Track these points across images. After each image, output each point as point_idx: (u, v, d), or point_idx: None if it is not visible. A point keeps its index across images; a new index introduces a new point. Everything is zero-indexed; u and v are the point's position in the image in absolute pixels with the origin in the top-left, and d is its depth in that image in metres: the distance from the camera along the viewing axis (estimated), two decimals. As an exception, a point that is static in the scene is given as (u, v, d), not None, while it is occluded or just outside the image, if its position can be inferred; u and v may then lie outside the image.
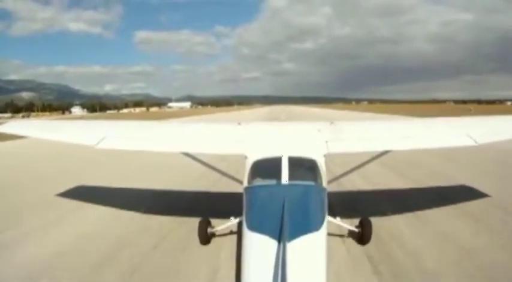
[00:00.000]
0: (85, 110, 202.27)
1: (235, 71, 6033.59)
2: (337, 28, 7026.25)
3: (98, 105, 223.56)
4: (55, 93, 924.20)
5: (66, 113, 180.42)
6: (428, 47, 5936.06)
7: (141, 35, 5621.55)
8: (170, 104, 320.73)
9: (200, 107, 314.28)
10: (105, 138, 6.86)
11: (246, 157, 6.00)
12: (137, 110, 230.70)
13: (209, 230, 6.94)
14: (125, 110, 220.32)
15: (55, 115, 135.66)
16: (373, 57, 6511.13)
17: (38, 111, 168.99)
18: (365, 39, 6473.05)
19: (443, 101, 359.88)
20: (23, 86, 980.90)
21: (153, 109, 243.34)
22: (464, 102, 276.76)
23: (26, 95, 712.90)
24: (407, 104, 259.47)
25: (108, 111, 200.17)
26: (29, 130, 8.35)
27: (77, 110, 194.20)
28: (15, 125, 8.81)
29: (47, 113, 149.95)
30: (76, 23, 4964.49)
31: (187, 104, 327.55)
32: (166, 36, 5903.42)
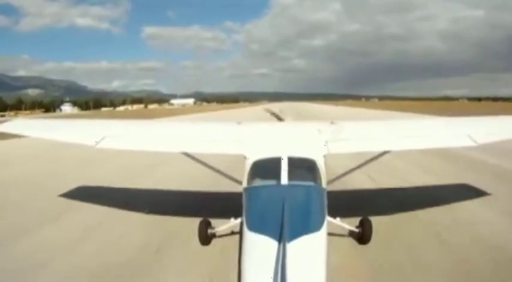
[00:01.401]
0: (75, 108, 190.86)
1: (244, 67, 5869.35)
2: (346, 24, 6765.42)
3: (91, 102, 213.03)
4: (62, 89, 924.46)
5: (57, 110, 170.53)
6: (438, 44, 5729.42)
7: (149, 30, 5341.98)
8: (172, 101, 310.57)
9: (205, 103, 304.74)
10: (105, 138, 6.88)
11: (245, 157, 6.05)
12: (134, 107, 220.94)
13: (209, 230, 6.95)
14: (122, 108, 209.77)
15: (36, 114, 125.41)
16: (382, 53, 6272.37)
17: (25, 109, 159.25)
18: (375, 35, 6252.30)
19: (456, 99, 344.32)
20: (30, 82, 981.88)
21: (152, 106, 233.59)
22: (479, 99, 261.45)
23: (32, 92, 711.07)
24: (420, 101, 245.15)
25: (103, 109, 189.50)
26: (28, 130, 8.48)
27: (66, 108, 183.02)
28: (14, 125, 8.81)
29: (27, 112, 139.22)
30: (83, 18, 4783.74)
31: (190, 101, 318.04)
32: (175, 31, 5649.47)
